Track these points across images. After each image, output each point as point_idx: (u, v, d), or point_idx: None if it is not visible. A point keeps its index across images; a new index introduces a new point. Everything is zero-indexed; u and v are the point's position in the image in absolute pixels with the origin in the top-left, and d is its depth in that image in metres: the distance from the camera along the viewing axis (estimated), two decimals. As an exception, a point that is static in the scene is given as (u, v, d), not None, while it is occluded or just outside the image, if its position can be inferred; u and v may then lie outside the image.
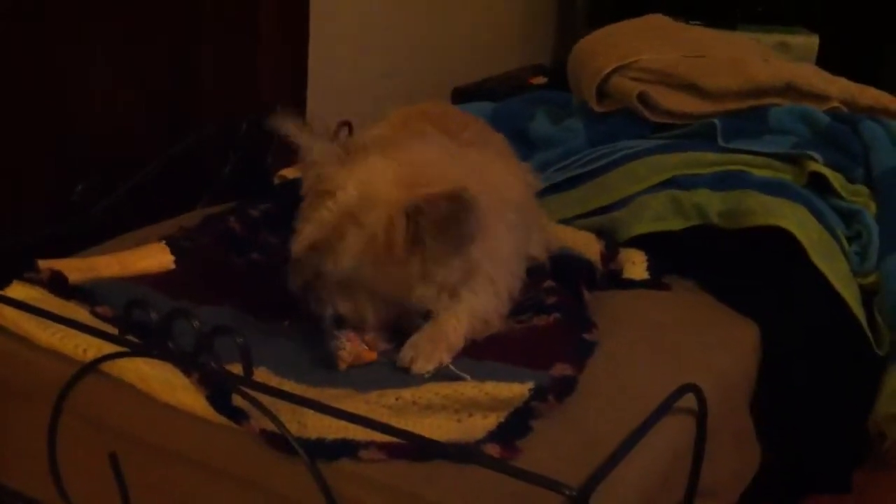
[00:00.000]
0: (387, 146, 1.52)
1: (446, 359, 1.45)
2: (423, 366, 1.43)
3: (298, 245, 1.47)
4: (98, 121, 2.00)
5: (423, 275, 1.45)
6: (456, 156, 1.59)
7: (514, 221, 1.61)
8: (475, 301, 1.52)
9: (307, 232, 1.46)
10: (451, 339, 1.48)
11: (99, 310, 1.55)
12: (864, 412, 1.88)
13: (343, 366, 1.44)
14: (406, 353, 1.45)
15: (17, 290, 1.57)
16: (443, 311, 1.50)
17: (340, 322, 1.47)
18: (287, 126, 1.51)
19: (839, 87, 2.22)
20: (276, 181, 2.20)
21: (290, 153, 2.31)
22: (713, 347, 1.65)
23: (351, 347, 1.45)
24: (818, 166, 1.98)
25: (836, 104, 2.20)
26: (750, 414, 1.70)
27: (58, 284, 1.60)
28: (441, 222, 1.39)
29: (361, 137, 1.79)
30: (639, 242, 1.91)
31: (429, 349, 1.46)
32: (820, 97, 2.20)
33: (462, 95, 2.97)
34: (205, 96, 2.22)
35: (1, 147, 1.87)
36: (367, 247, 1.41)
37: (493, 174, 1.63)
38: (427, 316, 1.51)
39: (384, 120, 1.86)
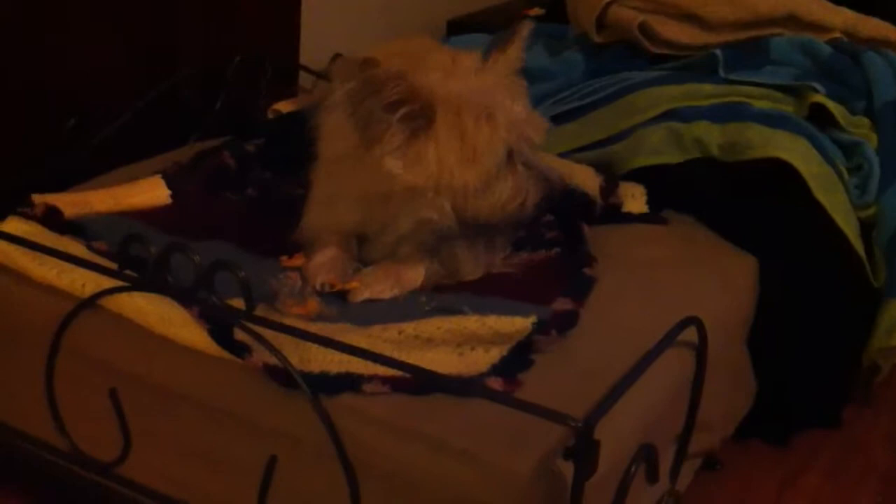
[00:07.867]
0: None
1: (388, 293, 1.46)
2: (361, 293, 1.45)
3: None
4: (77, 60, 1.95)
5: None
6: None
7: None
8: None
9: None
10: (405, 277, 1.49)
11: (95, 245, 1.53)
12: (858, 346, 1.89)
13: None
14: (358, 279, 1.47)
15: (11, 225, 1.55)
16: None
17: None
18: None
19: (841, 18, 2.19)
20: (271, 115, 2.17)
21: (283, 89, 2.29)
22: (711, 282, 1.65)
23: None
24: (820, 97, 1.96)
25: (837, 35, 2.17)
26: (747, 349, 1.71)
27: (53, 219, 1.58)
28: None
29: None
30: (637, 176, 1.90)
31: (371, 280, 1.47)
32: (821, 27, 2.17)
33: (456, 28, 2.92)
34: (191, 32, 2.18)
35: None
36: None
37: None
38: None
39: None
